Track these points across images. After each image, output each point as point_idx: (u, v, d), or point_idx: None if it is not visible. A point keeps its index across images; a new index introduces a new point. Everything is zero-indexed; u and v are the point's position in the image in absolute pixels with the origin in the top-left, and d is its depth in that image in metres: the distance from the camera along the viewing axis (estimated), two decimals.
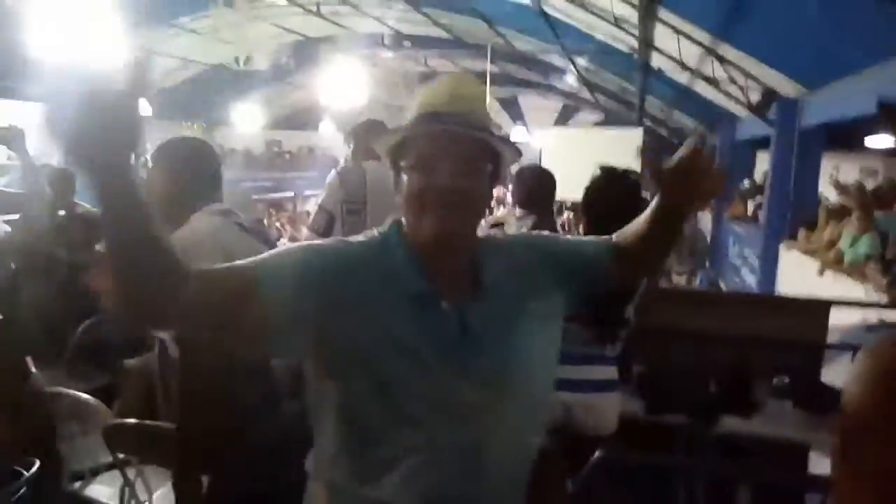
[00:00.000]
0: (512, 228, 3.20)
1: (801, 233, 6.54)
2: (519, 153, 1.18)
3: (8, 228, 3.36)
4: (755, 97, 6.99)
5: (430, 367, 1.08)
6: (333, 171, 3.10)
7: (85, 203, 3.53)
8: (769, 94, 6.83)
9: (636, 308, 2.29)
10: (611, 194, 2.20)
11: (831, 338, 3.09)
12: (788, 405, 2.73)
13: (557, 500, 2.07)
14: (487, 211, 1.27)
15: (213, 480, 1.71)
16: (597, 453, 1.56)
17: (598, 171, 2.29)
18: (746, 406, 2.72)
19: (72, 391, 2.35)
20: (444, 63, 14.99)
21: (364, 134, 3.06)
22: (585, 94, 16.53)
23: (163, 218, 1.81)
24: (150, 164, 1.82)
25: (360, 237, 1.19)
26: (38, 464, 1.39)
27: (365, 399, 1.08)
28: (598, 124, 17.15)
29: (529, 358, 1.16)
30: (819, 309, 3.04)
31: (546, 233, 1.34)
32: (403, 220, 1.16)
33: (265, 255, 1.09)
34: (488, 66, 11.40)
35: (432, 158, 1.10)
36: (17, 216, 3.45)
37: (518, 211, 3.21)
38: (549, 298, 1.22)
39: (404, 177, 1.13)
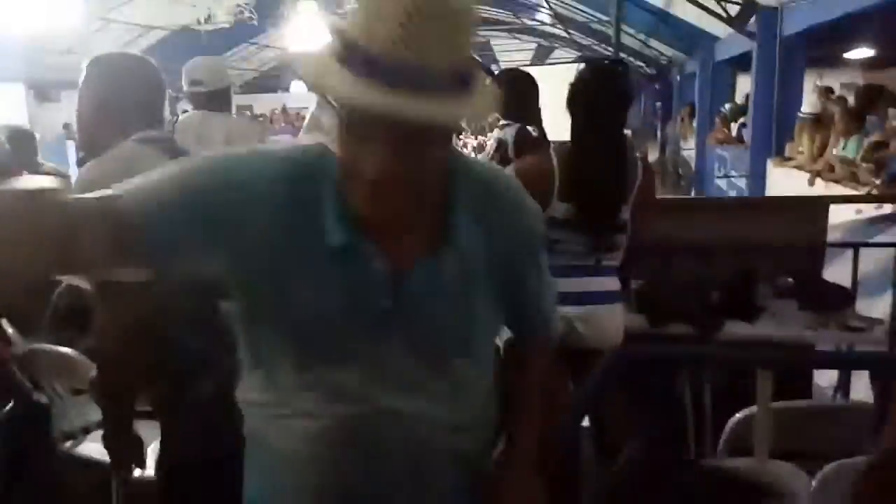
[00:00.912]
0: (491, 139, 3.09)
1: (788, 147, 6.48)
2: (494, 92, 0.89)
3: None
4: (734, 10, 6.83)
5: (345, 326, 0.91)
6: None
7: (50, 162, 3.38)
8: (749, 6, 6.67)
9: (630, 221, 2.19)
10: (599, 88, 2.07)
11: (831, 236, 3.04)
12: (793, 306, 2.67)
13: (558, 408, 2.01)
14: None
15: (163, 441, 1.61)
16: (606, 356, 1.48)
17: (582, 66, 2.17)
18: (750, 310, 2.67)
19: (53, 347, 2.26)
20: None
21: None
22: (558, 31, 16.26)
23: (85, 145, 1.63)
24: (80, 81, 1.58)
25: (287, 149, 0.93)
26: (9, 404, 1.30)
27: (275, 349, 0.94)
28: (575, 62, 16.90)
29: (477, 342, 1.00)
30: (817, 207, 2.97)
31: (537, 234, 1.06)
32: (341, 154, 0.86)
33: (147, 184, 0.86)
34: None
35: (386, 128, 0.79)
36: None
37: (500, 120, 3.08)
38: (495, 285, 0.99)
39: (347, 127, 0.82)
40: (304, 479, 0.98)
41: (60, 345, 2.75)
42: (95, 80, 1.56)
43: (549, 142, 2.70)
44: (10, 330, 2.29)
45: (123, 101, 1.54)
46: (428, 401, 0.96)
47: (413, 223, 0.91)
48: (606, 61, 2.17)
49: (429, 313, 0.93)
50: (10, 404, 1.34)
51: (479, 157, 3.45)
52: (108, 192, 0.86)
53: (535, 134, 2.96)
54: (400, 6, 0.76)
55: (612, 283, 2.19)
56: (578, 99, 2.10)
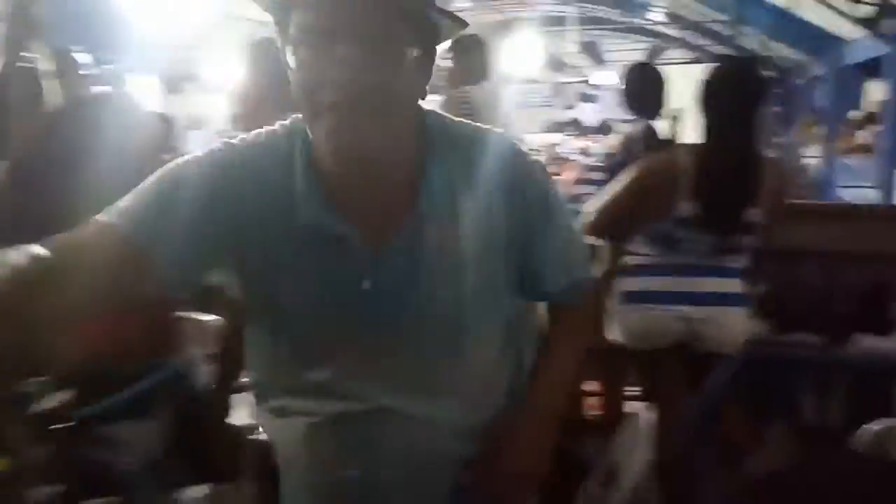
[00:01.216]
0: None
1: None
2: (460, 23, 0.85)
3: None
4: (868, 12, 6.41)
5: (329, 315, 0.87)
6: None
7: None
8: (885, 7, 6.24)
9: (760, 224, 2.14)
10: (734, 85, 2.04)
11: None
12: None
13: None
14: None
15: None
16: (735, 356, 1.47)
17: (714, 65, 2.13)
18: (882, 323, 2.54)
19: (193, 314, 2.42)
20: (522, 8, 14.58)
21: (461, 54, 2.94)
22: (672, 31, 15.73)
23: (245, 125, 1.73)
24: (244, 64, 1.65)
25: (254, 136, 0.90)
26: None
27: (266, 331, 0.92)
28: (689, 62, 16.35)
29: (471, 321, 0.90)
30: None
31: (538, 172, 0.97)
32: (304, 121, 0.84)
33: (137, 201, 0.83)
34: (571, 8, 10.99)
35: (324, 31, 0.75)
36: None
37: (626, 115, 3.06)
38: (499, 263, 0.91)
39: (291, 56, 0.80)
40: (302, 479, 0.95)
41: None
42: (262, 61, 1.65)
43: (676, 141, 2.67)
44: None
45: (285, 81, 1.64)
46: (428, 398, 0.89)
47: (384, 187, 0.84)
48: (746, 57, 2.14)
49: (414, 292, 0.86)
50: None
51: (595, 155, 3.41)
52: (101, 220, 0.82)
53: (661, 132, 2.92)
54: None
55: (735, 285, 2.15)
56: (711, 97, 2.07)
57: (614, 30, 17.31)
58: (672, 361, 2.14)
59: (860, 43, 7.55)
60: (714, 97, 2.06)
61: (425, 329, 0.88)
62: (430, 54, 0.85)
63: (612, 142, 3.24)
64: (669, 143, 2.59)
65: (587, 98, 14.23)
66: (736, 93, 2.03)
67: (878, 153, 7.06)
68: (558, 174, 7.34)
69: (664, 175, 2.04)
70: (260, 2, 0.83)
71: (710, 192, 2.03)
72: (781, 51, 13.12)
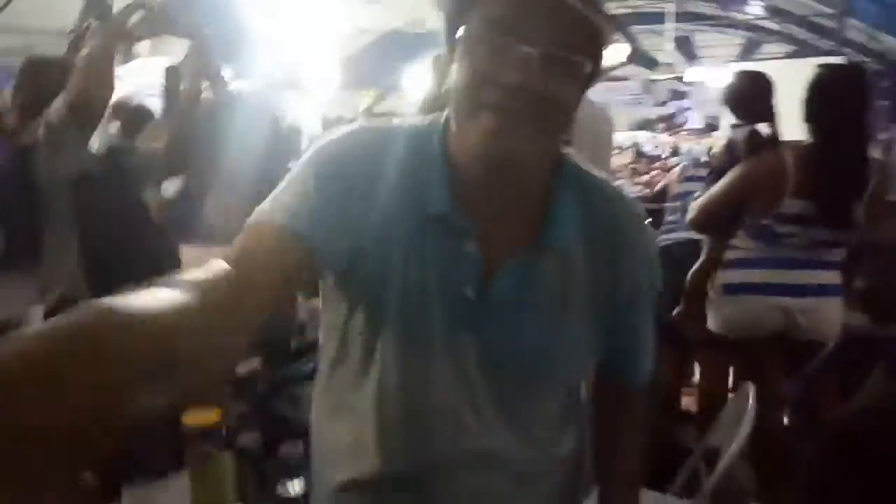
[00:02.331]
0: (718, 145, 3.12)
1: None
2: (637, 51, 0.85)
3: None
4: None
5: (432, 317, 0.84)
6: None
7: None
8: None
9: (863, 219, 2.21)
10: (843, 95, 2.12)
11: None
12: None
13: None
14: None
15: None
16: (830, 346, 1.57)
17: (820, 70, 2.21)
18: None
19: None
20: (618, 4, 14.45)
21: None
22: (770, 24, 15.15)
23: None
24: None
25: (396, 124, 0.90)
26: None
27: (356, 334, 0.88)
28: (787, 57, 15.73)
29: (562, 353, 0.89)
30: None
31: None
32: (452, 116, 0.82)
33: (288, 199, 0.81)
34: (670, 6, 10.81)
35: (507, 32, 0.73)
36: None
37: (732, 119, 3.13)
38: (593, 312, 0.90)
39: (458, 56, 0.78)
40: (356, 474, 0.91)
41: None
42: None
43: (781, 141, 2.74)
44: None
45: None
46: (493, 429, 0.87)
47: (514, 206, 0.84)
48: (849, 64, 2.24)
49: (513, 318, 0.85)
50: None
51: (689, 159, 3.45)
52: (268, 222, 0.80)
53: (767, 134, 2.97)
54: None
55: (833, 277, 2.23)
56: (821, 101, 2.16)
57: (712, 25, 16.84)
58: (771, 350, 2.23)
59: None
60: (824, 102, 2.14)
61: (514, 354, 0.87)
62: (597, 74, 0.81)
63: (716, 142, 3.30)
64: (773, 144, 2.65)
65: (679, 95, 13.92)
66: (845, 99, 2.10)
67: None
68: (647, 173, 7.31)
69: (769, 177, 2.16)
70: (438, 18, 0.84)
71: (822, 190, 2.11)
72: (891, 43, 12.44)
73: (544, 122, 0.77)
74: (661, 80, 18.29)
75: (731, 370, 2.73)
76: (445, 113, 0.86)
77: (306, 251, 0.78)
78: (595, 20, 0.75)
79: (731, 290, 2.27)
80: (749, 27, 16.73)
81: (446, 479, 0.86)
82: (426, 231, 0.82)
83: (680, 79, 17.24)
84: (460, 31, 0.78)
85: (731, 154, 3.05)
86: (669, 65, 13.79)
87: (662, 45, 12.08)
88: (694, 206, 2.34)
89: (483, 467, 0.86)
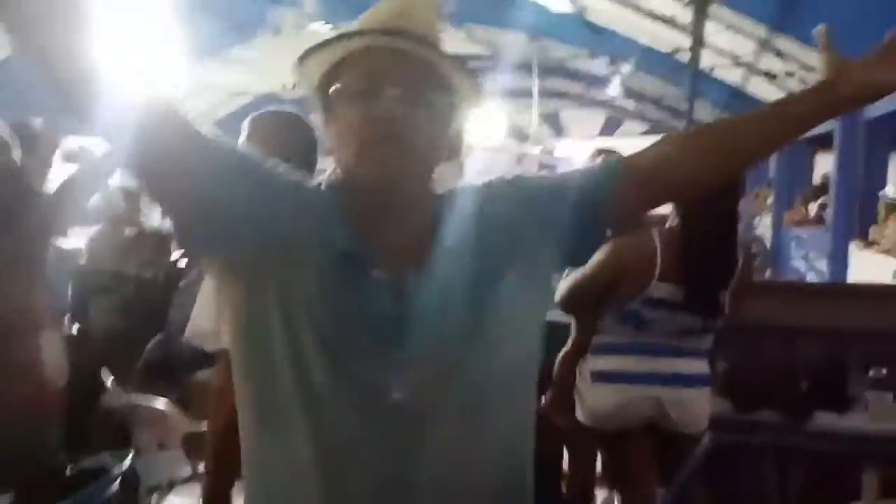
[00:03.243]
0: None
1: (872, 230, 6.26)
2: (479, 87, 0.95)
3: (80, 245, 3.42)
4: None
5: (354, 341, 0.89)
6: None
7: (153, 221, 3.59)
8: None
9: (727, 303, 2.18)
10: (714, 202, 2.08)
11: None
12: (888, 397, 2.55)
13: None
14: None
15: None
16: (703, 440, 1.46)
17: None
18: (842, 400, 2.56)
19: (148, 402, 2.35)
20: (486, 80, 15.02)
21: None
22: (629, 104, 16.33)
23: None
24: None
25: (311, 181, 1.00)
26: (129, 456, 1.37)
27: (275, 354, 0.89)
28: (644, 134, 16.92)
29: (491, 342, 0.92)
30: None
31: (532, 174, 1.09)
32: (336, 166, 0.95)
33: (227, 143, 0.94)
34: (535, 83, 11.32)
35: (373, 80, 0.88)
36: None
37: None
38: (531, 255, 0.97)
39: (336, 111, 0.92)
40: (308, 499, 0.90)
41: (148, 395, 2.86)
42: (256, 137, 1.61)
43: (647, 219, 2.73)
44: (109, 380, 2.40)
45: (283, 158, 1.53)
46: (443, 424, 0.90)
47: (406, 228, 0.94)
48: None
49: (429, 320, 0.90)
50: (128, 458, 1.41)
51: None
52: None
53: None
54: (394, 2, 0.93)
55: (702, 366, 2.17)
56: (692, 218, 2.11)
57: (577, 103, 17.94)
58: (640, 443, 2.13)
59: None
60: (691, 217, 2.10)
61: (447, 347, 0.92)
62: (458, 110, 0.96)
63: None
64: (643, 224, 2.62)
65: (548, 168, 14.57)
66: (713, 210, 2.07)
67: (830, 225, 7.28)
68: None
69: (640, 259, 2.07)
70: (303, 83, 0.97)
71: (689, 276, 2.05)
72: None
73: (419, 150, 0.90)
74: (532, 152, 19.27)
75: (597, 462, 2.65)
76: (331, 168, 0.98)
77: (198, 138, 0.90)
78: (443, 63, 0.92)
79: (600, 377, 2.17)
80: (610, 106, 17.99)
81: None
82: (337, 263, 0.90)
83: (549, 152, 18.24)
84: (335, 87, 0.92)
85: None
86: (539, 138, 14.42)
87: (531, 120, 12.60)
88: (562, 286, 2.23)
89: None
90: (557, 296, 2.28)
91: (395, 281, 0.91)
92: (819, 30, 0.98)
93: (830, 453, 1.46)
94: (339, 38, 0.92)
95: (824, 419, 2.46)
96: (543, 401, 2.38)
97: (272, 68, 11.75)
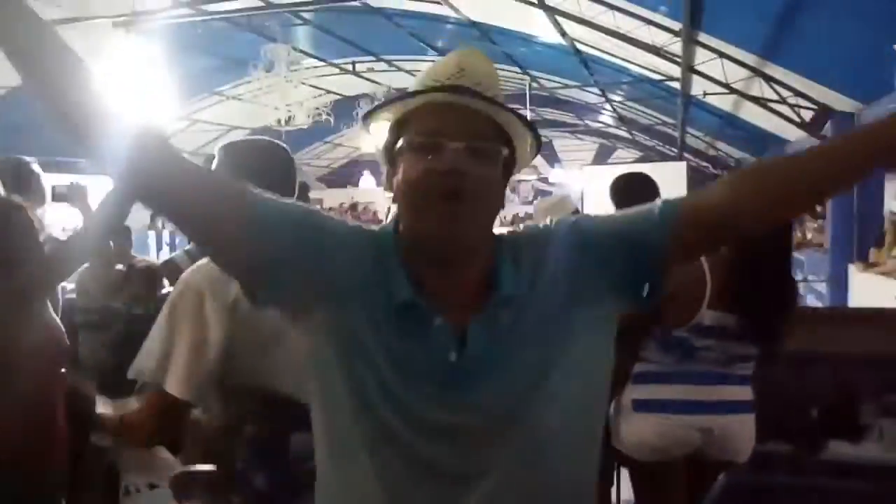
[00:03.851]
0: None
1: (872, 252, 6.23)
2: (539, 142, 0.98)
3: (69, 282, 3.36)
4: (807, 115, 6.79)
5: (418, 387, 0.91)
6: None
7: (141, 256, 3.53)
8: (823, 111, 6.63)
9: None
10: None
11: None
12: None
13: None
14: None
15: None
16: (721, 477, 1.39)
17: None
18: (854, 429, 2.49)
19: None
20: None
21: None
22: (621, 132, 16.48)
23: None
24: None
25: (369, 227, 1.03)
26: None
27: (340, 399, 0.92)
28: (636, 161, 17.03)
29: (557, 389, 0.92)
30: None
31: (591, 216, 1.04)
32: (398, 218, 0.98)
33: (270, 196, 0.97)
34: (527, 113, 11.40)
35: (435, 135, 0.91)
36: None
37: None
38: (594, 299, 0.96)
39: (400, 165, 0.94)
40: None
41: None
42: (227, 165, 1.49)
43: None
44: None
45: (258, 185, 1.41)
46: (506, 463, 0.91)
47: (466, 279, 0.94)
48: None
49: (494, 365, 0.92)
50: None
51: None
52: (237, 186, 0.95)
53: None
54: (453, 60, 0.96)
55: (747, 392, 2.11)
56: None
57: (570, 131, 18.13)
58: (677, 475, 2.04)
59: (802, 142, 7.93)
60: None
61: (511, 395, 0.92)
62: (513, 162, 0.98)
63: None
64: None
65: (544, 194, 14.62)
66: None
67: (829, 248, 7.27)
68: None
69: (688, 285, 2.00)
70: (369, 140, 1.02)
71: (748, 304, 1.99)
72: (727, 150, 13.81)
73: (480, 202, 0.92)
74: (527, 180, 19.39)
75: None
76: (394, 216, 1.00)
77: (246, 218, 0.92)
78: (502, 118, 0.95)
79: (644, 406, 2.07)
80: (602, 134, 18.18)
81: None
82: (396, 314, 0.92)
83: (544, 179, 18.33)
84: (399, 143, 0.94)
85: None
86: (534, 167, 14.52)
87: None
88: None
89: None
90: None
91: (457, 330, 0.92)
92: None
93: (849, 491, 1.40)
94: (403, 96, 0.96)
95: (838, 449, 2.39)
96: None
97: (266, 103, 11.86)
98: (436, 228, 0.90)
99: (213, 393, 1.40)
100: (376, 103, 1.00)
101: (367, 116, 0.99)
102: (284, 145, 1.61)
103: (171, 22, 7.03)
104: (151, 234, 13.68)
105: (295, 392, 1.27)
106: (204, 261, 1.45)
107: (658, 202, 0.98)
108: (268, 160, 1.55)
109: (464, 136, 0.91)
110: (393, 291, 0.92)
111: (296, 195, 1.64)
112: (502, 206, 0.98)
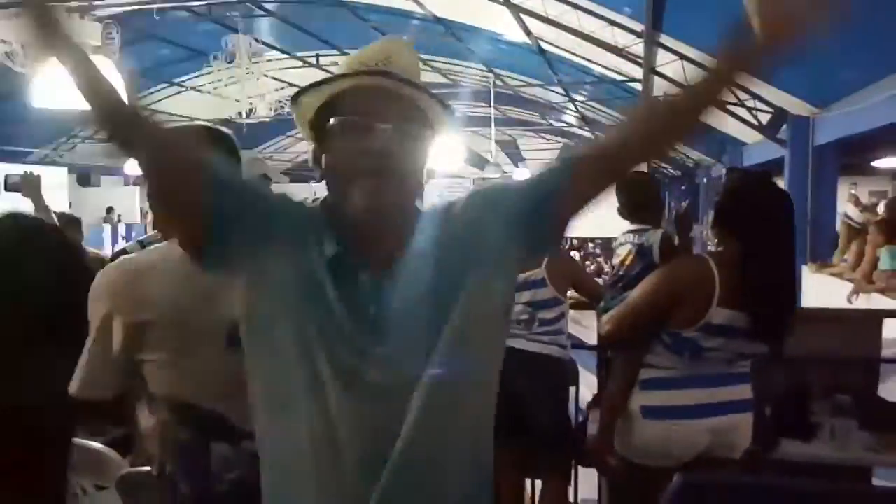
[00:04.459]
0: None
1: (836, 256, 6.41)
2: (451, 117, 1.07)
3: None
4: (764, 118, 6.93)
5: (341, 330, 1.00)
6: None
7: (93, 248, 3.43)
8: (780, 114, 6.77)
9: None
10: (771, 205, 2.03)
11: (886, 352, 2.92)
12: (853, 425, 2.53)
13: None
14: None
15: None
16: (676, 477, 1.38)
17: (737, 175, 2.16)
18: (806, 428, 2.53)
19: (84, 441, 2.19)
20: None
21: None
22: (584, 132, 16.65)
23: (158, 228, 1.58)
24: None
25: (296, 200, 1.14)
26: None
27: (278, 351, 1.00)
28: None
29: (460, 330, 1.00)
30: (871, 322, 2.87)
31: (499, 180, 1.20)
32: (327, 194, 1.07)
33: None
34: (492, 112, 11.41)
35: (369, 116, 0.98)
36: None
37: (629, 226, 3.02)
38: (496, 251, 1.05)
39: (331, 144, 1.02)
40: (302, 486, 1.00)
41: (90, 433, 2.69)
42: None
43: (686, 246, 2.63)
44: None
45: None
46: (416, 405, 0.98)
47: (390, 241, 1.03)
48: (758, 171, 2.20)
49: (405, 315, 1.00)
50: None
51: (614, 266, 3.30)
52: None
53: (677, 239, 2.91)
54: (378, 48, 1.05)
55: (748, 391, 2.10)
56: (748, 206, 2.04)
57: (532, 130, 18.23)
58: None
59: (759, 145, 8.10)
60: (751, 207, 2.02)
61: (418, 337, 1.00)
62: (432, 136, 1.07)
63: (619, 252, 3.13)
64: (689, 250, 2.52)
65: None
66: (773, 209, 2.02)
67: None
68: None
69: (697, 284, 1.98)
70: (297, 119, 1.08)
71: (758, 302, 1.99)
72: (686, 152, 14.05)
73: (406, 179, 1.02)
74: (492, 178, 19.44)
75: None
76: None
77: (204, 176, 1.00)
78: (423, 99, 1.03)
79: (654, 413, 2.03)
80: (566, 134, 18.32)
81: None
82: (327, 266, 1.01)
83: (508, 178, 18.42)
84: (331, 122, 1.02)
85: (643, 260, 2.89)
86: (497, 165, 14.55)
87: (489, 147, 12.69)
88: (609, 319, 2.10)
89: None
90: (602, 330, 2.17)
91: (381, 283, 1.02)
92: None
93: (801, 490, 1.41)
94: (332, 79, 1.03)
95: (790, 447, 2.43)
96: (590, 440, 2.25)
97: (227, 95, 11.65)
98: (362, 202, 0.99)
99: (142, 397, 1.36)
100: (308, 84, 1.04)
101: (298, 95, 1.05)
102: (229, 131, 1.56)
103: (129, 9, 6.85)
104: (107, 227, 13.37)
105: (207, 403, 1.27)
106: (112, 266, 1.40)
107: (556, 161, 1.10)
108: (213, 143, 1.48)
109: (392, 119, 0.99)
110: (325, 249, 1.01)
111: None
112: (424, 183, 1.07)
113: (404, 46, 1.06)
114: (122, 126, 0.97)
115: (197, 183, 0.99)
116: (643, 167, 3.29)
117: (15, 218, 1.75)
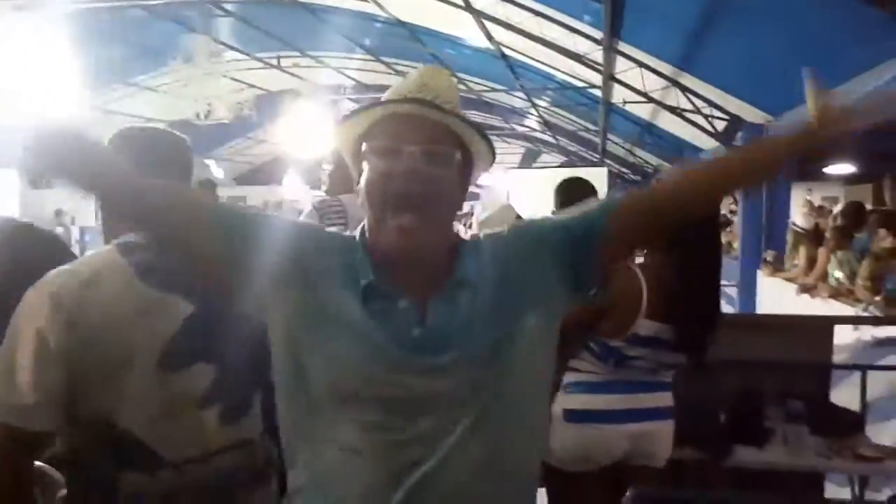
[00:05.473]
0: None
1: (785, 258, 6.55)
2: (493, 150, 1.09)
3: None
4: (720, 126, 7.06)
5: (382, 352, 1.00)
6: (310, 207, 2.94)
7: None
8: (735, 122, 6.91)
9: None
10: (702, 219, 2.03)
11: (837, 358, 2.97)
12: (804, 430, 2.57)
13: None
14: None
15: None
16: (629, 493, 1.38)
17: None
18: (760, 434, 2.57)
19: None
20: None
21: (342, 162, 2.89)
22: (546, 137, 16.77)
23: (104, 233, 1.44)
24: None
25: (336, 231, 1.16)
26: None
27: (313, 372, 1.02)
28: (560, 166, 17.36)
29: (510, 364, 1.02)
30: (822, 328, 2.93)
31: (538, 218, 1.19)
32: (365, 220, 1.09)
33: (235, 207, 1.11)
34: None
35: (397, 141, 1.02)
36: None
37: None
38: (544, 289, 1.07)
39: (365, 169, 1.05)
40: None
41: None
42: (125, 156, 1.29)
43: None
44: None
45: (156, 173, 1.16)
46: (458, 438, 0.98)
47: (427, 272, 1.04)
48: None
49: (452, 339, 1.00)
50: None
51: None
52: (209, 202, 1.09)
53: None
54: (415, 76, 1.07)
55: (669, 398, 2.12)
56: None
57: (495, 134, 18.32)
58: (599, 482, 2.04)
59: (716, 151, 8.24)
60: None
61: (465, 367, 1.00)
62: (470, 169, 1.09)
63: None
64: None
65: (473, 196, 14.70)
66: (705, 223, 2.04)
67: (739, 255, 7.58)
68: None
69: (626, 295, 1.99)
70: (339, 144, 1.13)
71: (687, 315, 2.00)
72: (645, 157, 14.26)
73: (433, 199, 1.02)
74: None
75: None
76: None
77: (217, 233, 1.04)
78: (457, 128, 1.05)
79: (575, 417, 2.05)
80: (528, 139, 18.44)
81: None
82: (363, 296, 1.02)
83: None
84: (364, 147, 1.06)
85: None
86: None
87: None
88: None
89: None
90: None
91: (419, 310, 1.02)
92: (807, 72, 1.07)
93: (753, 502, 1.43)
94: (367, 107, 1.08)
95: (744, 454, 2.46)
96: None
97: (184, 96, 11.41)
98: (394, 243, 1.01)
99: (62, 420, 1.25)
100: (347, 114, 1.10)
101: (340, 122, 1.09)
102: (184, 136, 1.49)
103: (81, 7, 6.66)
104: (59, 230, 12.97)
105: (129, 425, 1.21)
106: (48, 277, 1.24)
107: (596, 203, 1.11)
108: (168, 152, 1.41)
109: (419, 142, 1.01)
110: (360, 276, 1.03)
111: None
112: (460, 206, 1.10)
113: (440, 74, 1.09)
114: (128, 205, 1.05)
115: (214, 238, 1.04)
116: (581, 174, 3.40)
117: (31, 229, 1.66)
